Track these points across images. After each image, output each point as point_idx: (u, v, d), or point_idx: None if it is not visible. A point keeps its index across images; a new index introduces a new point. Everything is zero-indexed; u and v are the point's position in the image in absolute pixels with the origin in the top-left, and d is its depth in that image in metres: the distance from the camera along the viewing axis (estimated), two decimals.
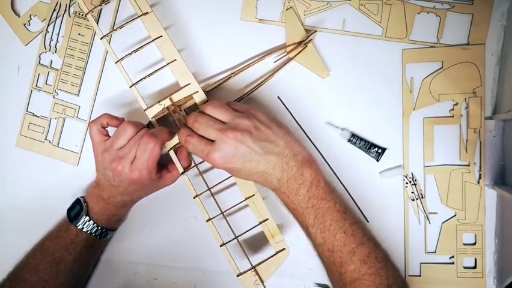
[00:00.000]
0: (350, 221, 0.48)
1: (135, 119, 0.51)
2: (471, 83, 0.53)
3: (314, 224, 0.48)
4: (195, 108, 0.53)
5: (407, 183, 0.54)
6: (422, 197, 0.54)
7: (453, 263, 0.53)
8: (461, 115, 0.53)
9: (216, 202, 0.51)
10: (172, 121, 0.52)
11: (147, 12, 0.51)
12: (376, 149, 0.54)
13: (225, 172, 0.52)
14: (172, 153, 0.51)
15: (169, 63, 0.51)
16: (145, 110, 0.52)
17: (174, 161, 0.52)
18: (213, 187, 0.51)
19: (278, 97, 0.55)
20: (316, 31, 0.54)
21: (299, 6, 0.55)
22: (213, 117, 0.47)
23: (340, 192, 0.52)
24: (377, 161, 0.54)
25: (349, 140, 0.54)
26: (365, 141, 0.54)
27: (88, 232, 0.52)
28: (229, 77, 0.54)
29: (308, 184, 0.48)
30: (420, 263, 0.54)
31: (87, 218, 0.51)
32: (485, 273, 0.53)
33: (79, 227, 0.51)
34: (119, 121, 0.50)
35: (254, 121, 0.47)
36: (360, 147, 0.54)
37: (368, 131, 0.55)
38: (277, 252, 0.51)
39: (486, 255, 0.53)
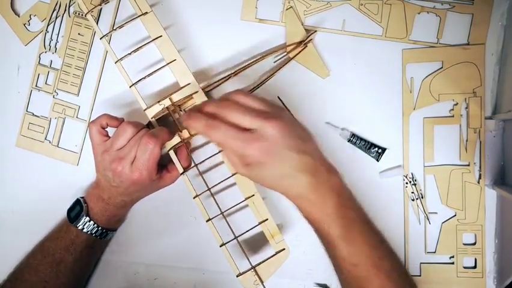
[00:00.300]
0: (373, 232, 0.44)
1: (135, 119, 0.51)
2: (471, 83, 0.53)
3: (341, 235, 0.42)
4: None
5: (407, 183, 0.54)
6: (422, 197, 0.54)
7: (453, 263, 0.53)
8: (461, 115, 0.53)
9: (216, 202, 0.51)
10: (172, 121, 0.52)
11: (147, 12, 0.51)
12: (376, 149, 0.54)
13: (225, 172, 0.52)
14: (172, 153, 0.51)
15: (169, 63, 0.51)
16: (144, 110, 0.52)
17: (174, 161, 0.52)
18: (212, 187, 0.51)
19: (278, 97, 0.55)
20: (316, 31, 0.54)
21: (299, 6, 0.55)
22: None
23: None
24: (377, 161, 0.54)
25: (349, 140, 0.54)
26: (365, 141, 0.54)
27: (88, 233, 0.52)
28: (229, 77, 0.54)
29: (337, 192, 0.43)
30: (420, 263, 0.54)
31: (87, 218, 0.51)
32: (485, 273, 0.53)
33: (79, 228, 0.51)
34: (118, 121, 0.50)
35: (289, 114, 0.42)
36: (360, 147, 0.54)
37: (368, 131, 0.55)
38: (277, 253, 0.51)
39: (486, 255, 0.53)
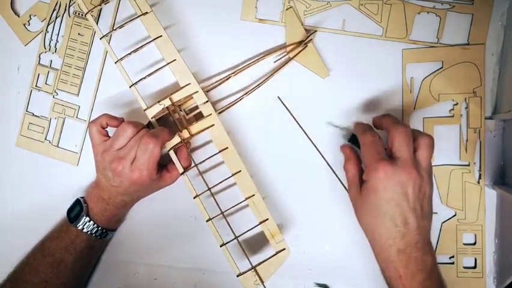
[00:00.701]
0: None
1: (135, 119, 0.51)
2: (471, 83, 0.53)
3: None
4: (195, 108, 0.53)
5: None
6: None
7: (453, 263, 0.53)
8: (461, 115, 0.53)
9: (216, 202, 0.51)
10: (172, 121, 0.52)
11: (147, 12, 0.51)
12: None
13: (225, 172, 0.52)
14: (172, 154, 0.51)
15: (169, 63, 0.51)
16: (144, 110, 0.52)
17: (174, 161, 0.52)
18: (213, 187, 0.51)
19: (278, 97, 0.55)
20: (316, 31, 0.54)
21: (299, 6, 0.55)
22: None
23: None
24: None
25: (349, 140, 0.54)
26: None
27: (88, 233, 0.52)
28: (229, 77, 0.54)
29: (428, 270, 0.43)
30: None
31: (87, 218, 0.51)
32: (485, 273, 0.53)
33: (79, 228, 0.51)
34: (118, 121, 0.50)
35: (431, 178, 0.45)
36: (360, 147, 0.54)
37: None
38: (277, 253, 0.51)
39: (486, 255, 0.53)
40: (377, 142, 0.45)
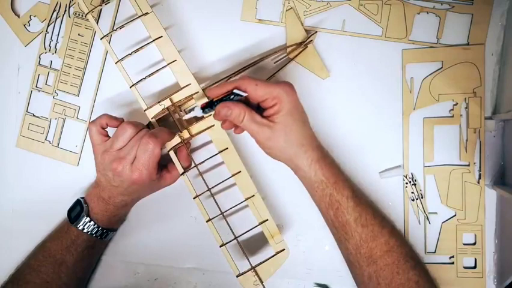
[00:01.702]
0: (369, 198, 0.51)
1: (135, 120, 0.51)
2: (471, 83, 0.53)
3: (352, 196, 0.47)
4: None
5: (406, 183, 0.54)
6: (422, 197, 0.54)
7: (453, 263, 0.53)
8: (461, 115, 0.53)
9: (216, 202, 0.51)
10: (172, 121, 0.52)
11: (147, 13, 0.51)
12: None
13: (225, 172, 0.52)
14: (172, 154, 0.51)
15: (169, 64, 0.51)
16: (145, 111, 0.52)
17: (174, 162, 0.52)
18: (213, 187, 0.51)
19: None
20: (316, 32, 0.54)
21: (299, 7, 0.55)
22: None
23: None
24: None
25: (205, 107, 0.48)
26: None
27: (89, 233, 0.52)
28: (229, 78, 0.54)
29: (333, 159, 0.50)
30: None
31: (87, 218, 0.51)
32: (485, 273, 0.53)
33: (80, 228, 0.51)
34: (118, 121, 0.50)
35: None
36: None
37: (368, 131, 0.55)
38: (277, 253, 0.51)
39: (486, 255, 0.53)
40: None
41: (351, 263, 0.49)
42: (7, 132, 0.59)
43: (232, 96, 0.46)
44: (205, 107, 0.48)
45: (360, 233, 0.47)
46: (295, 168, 0.49)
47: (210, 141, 0.55)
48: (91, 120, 0.57)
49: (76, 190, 0.57)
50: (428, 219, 0.54)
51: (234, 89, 0.46)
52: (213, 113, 0.48)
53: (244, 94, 0.46)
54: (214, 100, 0.47)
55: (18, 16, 0.59)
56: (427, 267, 0.49)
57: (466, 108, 0.53)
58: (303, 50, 0.54)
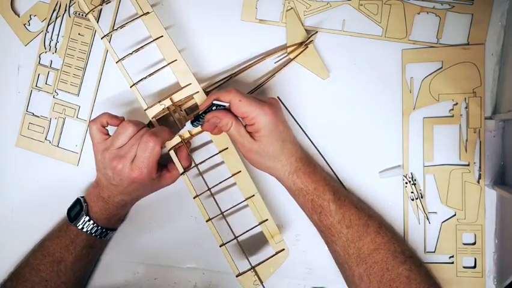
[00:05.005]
0: (354, 197, 0.52)
1: (135, 119, 0.51)
2: (471, 83, 0.53)
3: (334, 200, 0.48)
4: (195, 108, 0.53)
5: (406, 183, 0.54)
6: (422, 197, 0.54)
7: (452, 263, 0.53)
8: (461, 115, 0.53)
9: (216, 202, 0.51)
10: (172, 121, 0.52)
11: (148, 12, 0.51)
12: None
13: (225, 172, 0.52)
14: (172, 153, 0.51)
15: (169, 63, 0.51)
16: (145, 110, 0.52)
17: (174, 161, 0.52)
18: (213, 187, 0.51)
19: (278, 97, 0.55)
20: (317, 32, 0.54)
21: (299, 7, 0.55)
22: None
23: None
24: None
25: (194, 121, 0.49)
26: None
27: (88, 232, 0.52)
28: (229, 78, 0.54)
29: (316, 164, 0.51)
30: None
31: (87, 218, 0.51)
32: (484, 273, 0.53)
33: (79, 227, 0.51)
34: (119, 120, 0.50)
35: None
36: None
37: (368, 131, 0.55)
38: (276, 253, 0.51)
39: (486, 255, 0.53)
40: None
41: (341, 265, 0.50)
42: (7, 131, 0.59)
43: (214, 108, 0.47)
44: (193, 121, 0.49)
45: (346, 234, 0.48)
46: (276, 177, 0.50)
47: (210, 141, 0.55)
48: (91, 119, 0.57)
49: (76, 190, 0.57)
50: (427, 219, 0.54)
51: (215, 100, 0.47)
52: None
53: (226, 104, 0.47)
54: (200, 113, 0.48)
55: (18, 15, 0.58)
56: (421, 260, 0.50)
57: (466, 108, 0.53)
58: (303, 50, 0.54)
